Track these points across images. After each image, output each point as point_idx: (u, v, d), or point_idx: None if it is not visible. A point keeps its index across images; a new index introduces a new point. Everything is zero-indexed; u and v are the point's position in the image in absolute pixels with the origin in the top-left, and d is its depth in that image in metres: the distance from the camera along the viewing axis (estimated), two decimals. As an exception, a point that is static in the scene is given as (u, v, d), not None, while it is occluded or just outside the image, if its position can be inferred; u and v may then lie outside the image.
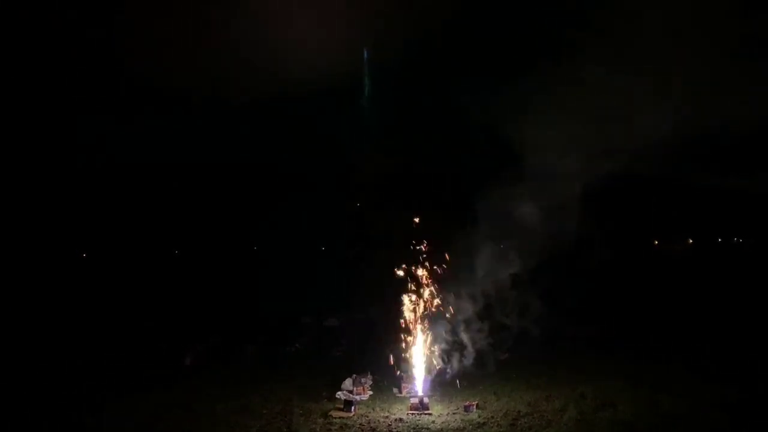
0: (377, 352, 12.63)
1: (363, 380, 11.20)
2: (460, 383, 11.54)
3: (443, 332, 11.61)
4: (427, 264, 10.44)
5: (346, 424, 9.56)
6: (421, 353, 11.12)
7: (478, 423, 9.52)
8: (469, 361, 12.30)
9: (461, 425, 9.47)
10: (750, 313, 17.36)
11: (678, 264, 38.41)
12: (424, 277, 10.46)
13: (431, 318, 10.98)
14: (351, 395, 10.76)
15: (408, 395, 10.76)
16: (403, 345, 11.16)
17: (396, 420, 9.79)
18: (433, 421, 9.68)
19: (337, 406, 10.29)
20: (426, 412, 10.02)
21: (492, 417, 9.73)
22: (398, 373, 11.33)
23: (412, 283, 10.53)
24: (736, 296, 20.78)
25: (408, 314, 10.77)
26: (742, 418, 9.23)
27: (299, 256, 39.97)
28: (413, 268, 10.44)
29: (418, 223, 10.10)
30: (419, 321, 11.02)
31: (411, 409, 10.11)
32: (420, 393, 10.61)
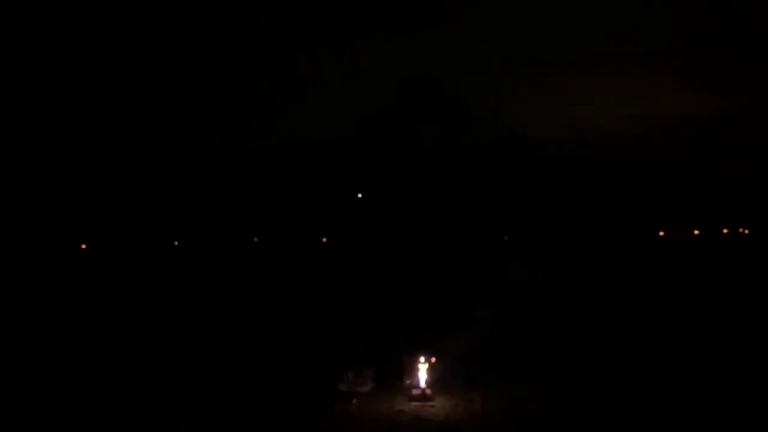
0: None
1: (365, 372, 11.11)
2: (463, 375, 11.46)
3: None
4: None
5: (347, 416, 9.50)
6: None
7: (481, 414, 9.45)
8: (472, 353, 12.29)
9: (464, 416, 9.40)
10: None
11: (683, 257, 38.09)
12: None
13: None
14: (353, 386, 10.69)
15: (411, 386, 10.67)
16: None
17: (398, 411, 9.72)
18: (436, 413, 9.60)
19: (339, 397, 10.22)
20: (428, 403, 9.95)
21: (495, 408, 9.66)
22: (403, 358, 11.20)
23: None
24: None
25: None
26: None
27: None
28: None
29: None
30: None
31: (413, 401, 10.04)
32: (422, 384, 10.53)
